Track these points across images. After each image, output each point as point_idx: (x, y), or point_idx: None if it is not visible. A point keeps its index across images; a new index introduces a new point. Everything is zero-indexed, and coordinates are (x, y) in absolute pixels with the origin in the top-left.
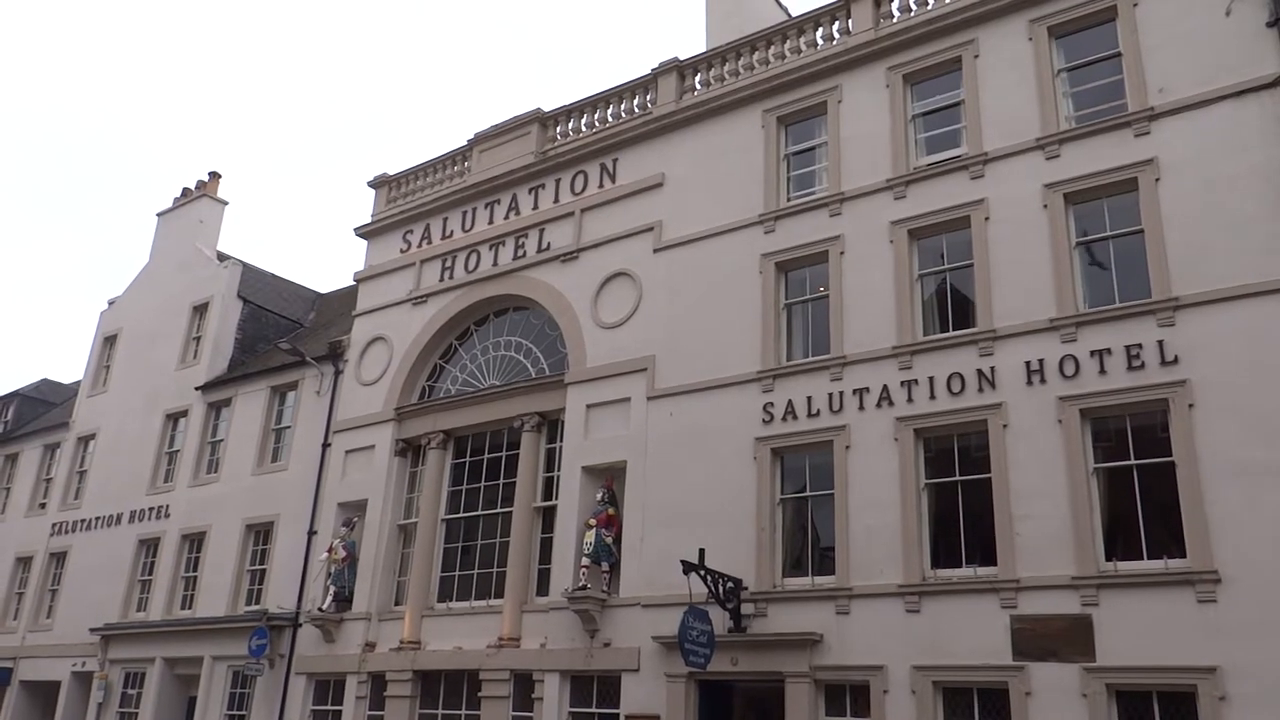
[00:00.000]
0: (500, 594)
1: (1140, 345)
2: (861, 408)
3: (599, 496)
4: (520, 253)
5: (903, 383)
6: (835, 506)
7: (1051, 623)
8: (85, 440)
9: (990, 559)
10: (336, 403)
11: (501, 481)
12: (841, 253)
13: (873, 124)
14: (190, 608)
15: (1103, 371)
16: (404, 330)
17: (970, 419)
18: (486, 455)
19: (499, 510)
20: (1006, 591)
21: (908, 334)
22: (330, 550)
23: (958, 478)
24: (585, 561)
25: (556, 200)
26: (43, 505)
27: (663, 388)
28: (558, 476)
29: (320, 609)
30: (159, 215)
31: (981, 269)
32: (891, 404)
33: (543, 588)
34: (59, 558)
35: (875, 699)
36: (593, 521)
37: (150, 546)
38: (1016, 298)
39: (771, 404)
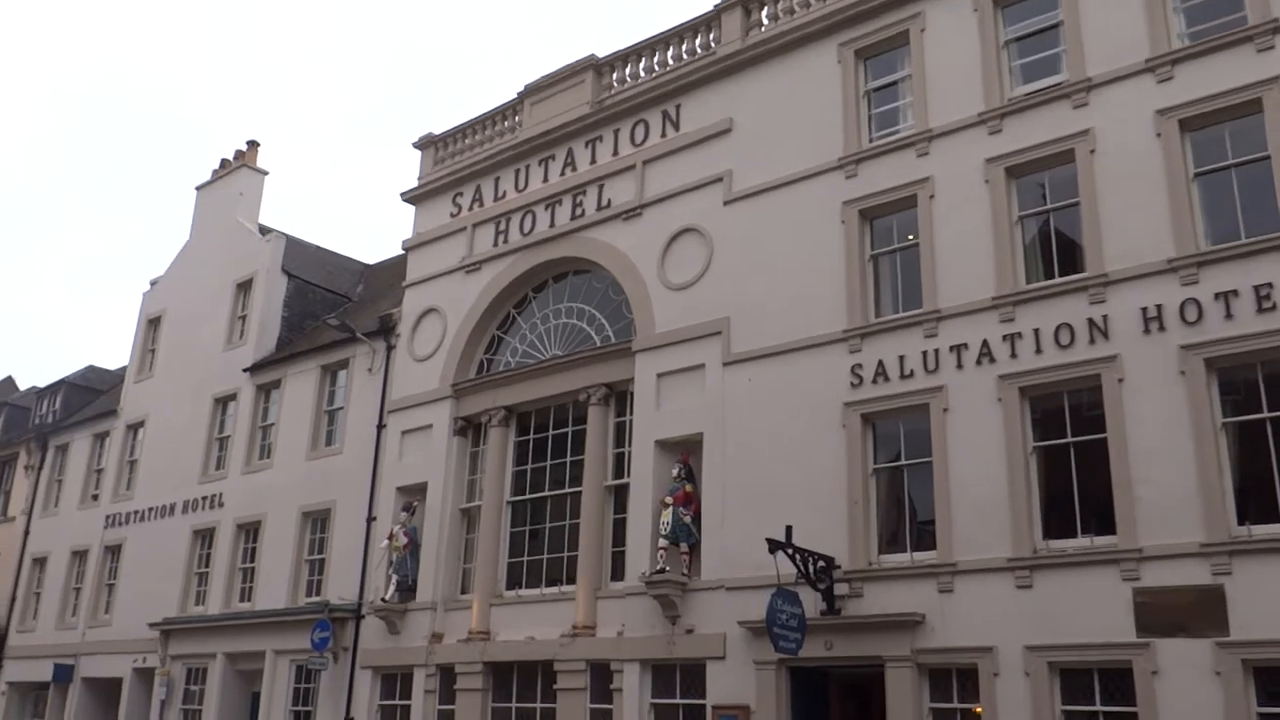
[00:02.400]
0: (572, 580)
1: (1271, 285)
2: (960, 366)
3: (675, 473)
4: (579, 212)
5: (1005, 337)
6: (934, 475)
7: (1179, 595)
8: (134, 428)
9: (1108, 527)
10: (390, 381)
11: (569, 459)
12: (931, 196)
13: (961, 52)
14: (249, 600)
15: (1229, 316)
16: (458, 300)
17: (1081, 374)
18: (551, 432)
19: (567, 490)
20: (1128, 562)
21: (1008, 282)
22: (391, 537)
23: (1069, 439)
24: (663, 543)
25: (616, 153)
26: (95, 497)
27: (740, 352)
28: (629, 452)
29: (383, 599)
30: (198, 189)
31: (1089, 207)
32: (993, 361)
33: (617, 572)
34: (114, 551)
35: (985, 683)
36: (669, 500)
37: (205, 537)
38: (1129, 238)
39: (860, 365)
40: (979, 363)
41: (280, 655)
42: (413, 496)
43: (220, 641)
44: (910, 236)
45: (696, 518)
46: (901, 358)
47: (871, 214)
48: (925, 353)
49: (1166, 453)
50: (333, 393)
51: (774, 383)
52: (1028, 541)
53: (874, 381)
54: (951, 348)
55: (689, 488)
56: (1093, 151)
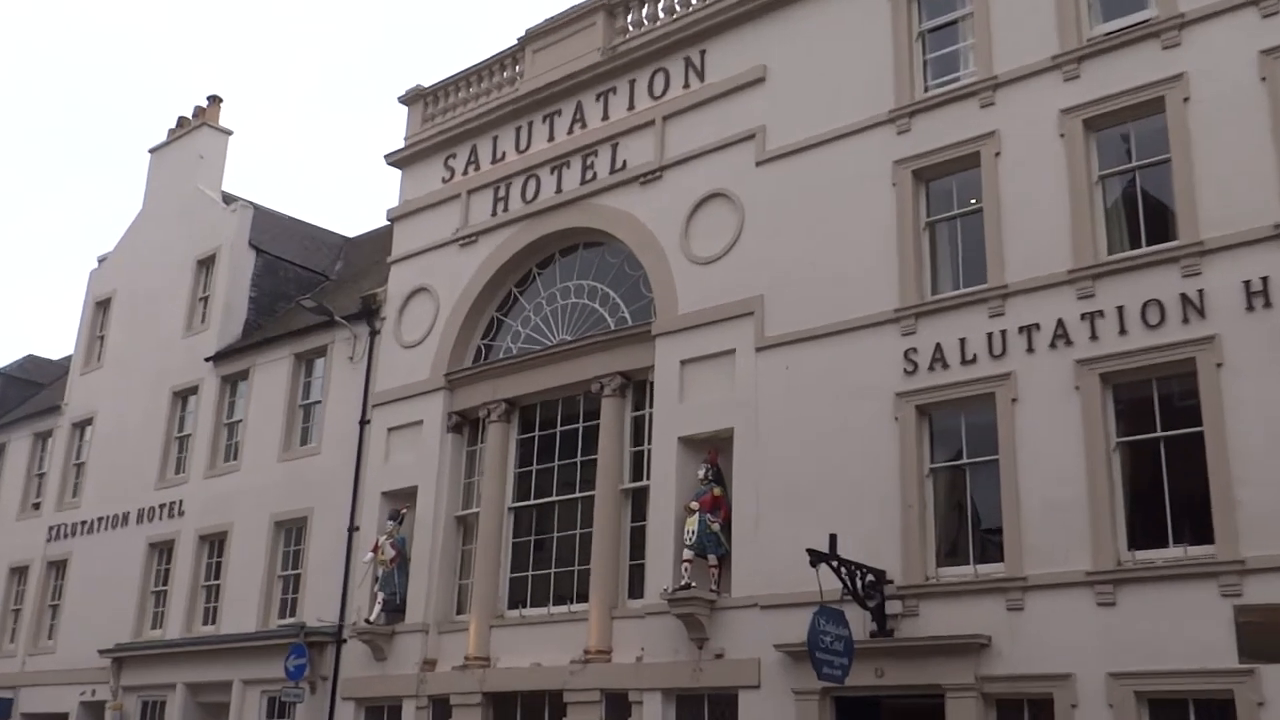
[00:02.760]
0: (584, 597)
1: None
2: (1030, 349)
3: (701, 474)
4: (589, 175)
5: (1083, 315)
6: (1001, 476)
7: None
8: (81, 426)
9: (1205, 535)
10: (374, 370)
11: (579, 460)
12: (997, 153)
13: None
14: (214, 623)
15: None
16: (451, 278)
17: (1173, 358)
18: (559, 428)
19: (578, 495)
20: (1228, 576)
21: (1087, 252)
22: (376, 549)
23: (1159, 434)
24: (688, 555)
25: (632, 107)
26: (36, 505)
27: (775, 335)
28: (649, 451)
29: (368, 620)
30: (151, 152)
31: (1182, 165)
32: (1069, 343)
33: (636, 588)
34: (58, 567)
35: (1061, 716)
36: (695, 505)
37: (163, 551)
38: (1229, 200)
39: (914, 350)
40: (1053, 346)
41: (249, 686)
42: (401, 503)
43: (180, 670)
44: (972, 201)
45: (726, 525)
46: (962, 340)
47: (927, 175)
48: (990, 334)
49: (1273, 449)
50: (308, 384)
51: (815, 370)
52: (1110, 552)
53: (931, 368)
54: (1021, 329)
55: (717, 491)
56: (1186, 100)
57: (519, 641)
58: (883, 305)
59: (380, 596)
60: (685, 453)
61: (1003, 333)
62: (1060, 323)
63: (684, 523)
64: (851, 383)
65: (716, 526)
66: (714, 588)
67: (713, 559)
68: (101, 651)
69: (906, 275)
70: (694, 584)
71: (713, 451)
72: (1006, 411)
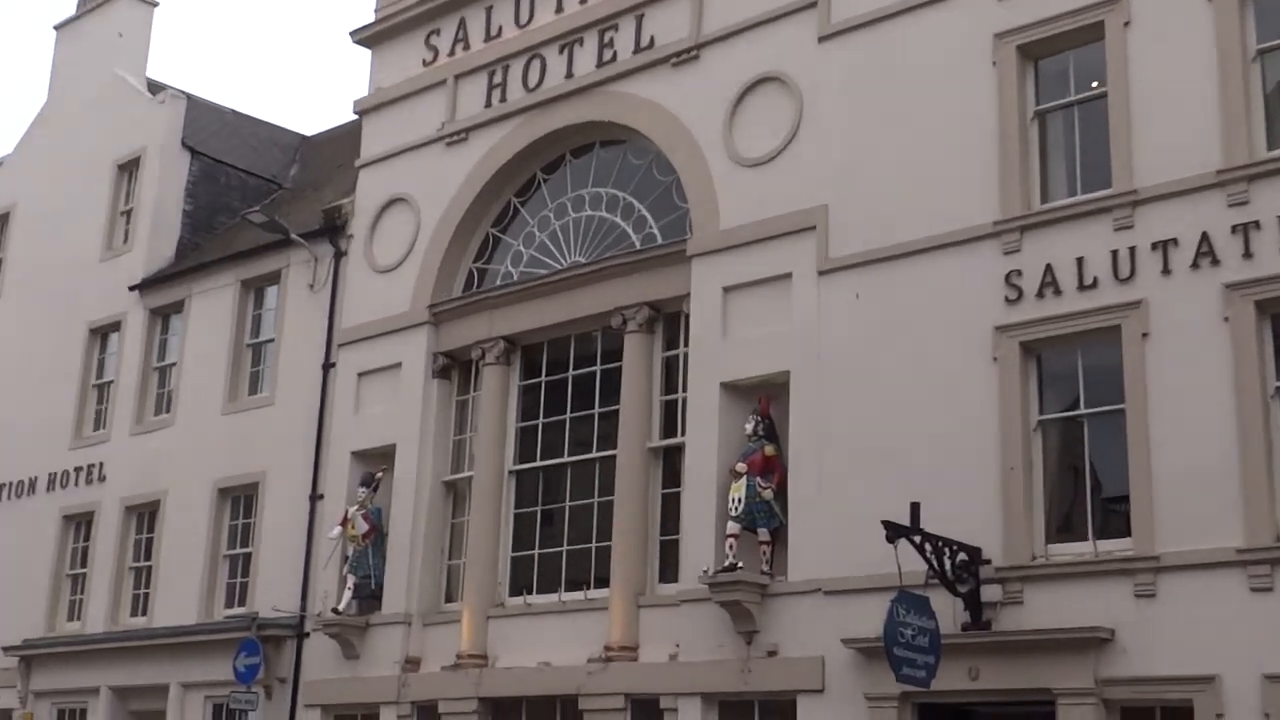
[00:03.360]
0: (604, 581)
1: None
2: (1167, 271)
3: (749, 429)
4: (608, 55)
5: (1234, 228)
6: (1128, 430)
7: None
8: None
9: None
10: (340, 302)
11: (597, 411)
12: (1126, 23)
13: None
14: (144, 614)
15: None
16: (436, 186)
17: None
18: (572, 372)
19: (595, 455)
20: None
21: (1240, 149)
22: (345, 523)
23: None
24: (733, 528)
25: None
26: None
27: (843, 256)
28: (683, 400)
29: (335, 610)
30: (57, 29)
31: None
32: (1216, 263)
33: (668, 570)
34: None
35: None
36: (742, 467)
37: (80, 526)
38: None
39: (1018, 272)
40: (1195, 266)
41: (190, 690)
42: (375, 465)
43: (104, 672)
44: (1094, 84)
45: (781, 492)
46: (1080, 260)
47: (1036, 51)
48: (1115, 252)
49: None
50: (258, 319)
51: (893, 299)
52: (1268, 525)
53: (1039, 295)
54: (1154, 245)
55: (769, 450)
56: None
57: (523, 636)
58: (979, 217)
59: (351, 581)
60: (729, 402)
61: (1131, 250)
62: (1205, 237)
63: (728, 489)
64: (939, 314)
65: (769, 494)
66: (766, 569)
67: (764, 534)
68: (6, 649)
69: (1009, 179)
70: (741, 564)
71: (764, 400)
72: (1135, 349)
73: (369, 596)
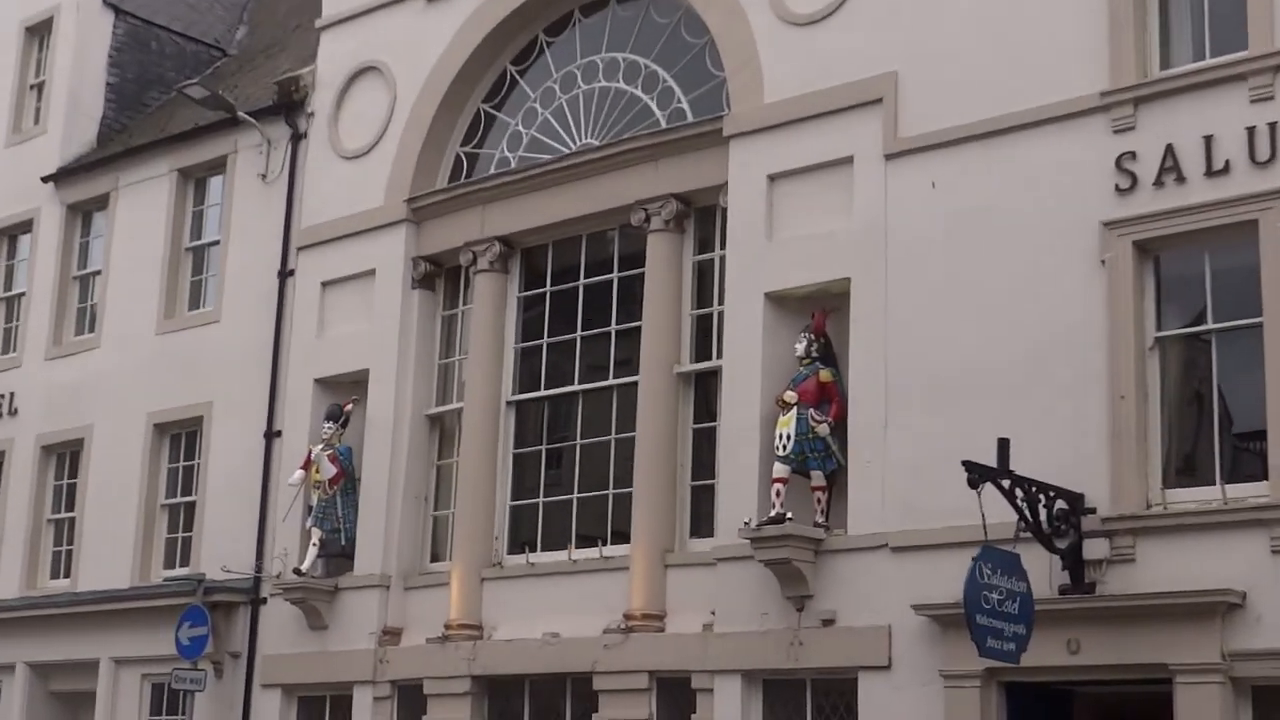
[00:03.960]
0: (623, 536)
1: None
2: None
3: (801, 349)
4: None
5: None
6: (1266, 351)
7: None
8: None
9: None
10: (300, 195)
11: (614, 329)
12: None
13: None
14: (67, 576)
15: None
16: (415, 51)
17: None
18: (583, 281)
19: (612, 382)
20: None
21: None
22: (308, 466)
23: None
24: (781, 471)
25: None
26: None
27: (916, 135)
28: (720, 315)
29: (298, 571)
30: None
31: None
32: None
33: (701, 522)
34: None
35: None
36: (791, 396)
37: None
38: None
39: (1132, 155)
40: None
41: (124, 667)
42: (344, 395)
43: (21, 645)
44: None
45: (839, 428)
46: (1208, 140)
47: None
48: (1252, 130)
49: None
50: (200, 217)
51: (976, 188)
52: None
53: (1158, 184)
54: None
55: (825, 375)
56: None
57: (526, 602)
58: (1083, 87)
59: (316, 536)
60: (776, 317)
61: (1271, 127)
62: None
63: (774, 424)
64: (1032, 208)
65: (824, 429)
66: (821, 520)
67: (818, 478)
68: None
69: (1121, 40)
70: (790, 515)
71: (819, 316)
72: (1276, 249)
73: (338, 554)
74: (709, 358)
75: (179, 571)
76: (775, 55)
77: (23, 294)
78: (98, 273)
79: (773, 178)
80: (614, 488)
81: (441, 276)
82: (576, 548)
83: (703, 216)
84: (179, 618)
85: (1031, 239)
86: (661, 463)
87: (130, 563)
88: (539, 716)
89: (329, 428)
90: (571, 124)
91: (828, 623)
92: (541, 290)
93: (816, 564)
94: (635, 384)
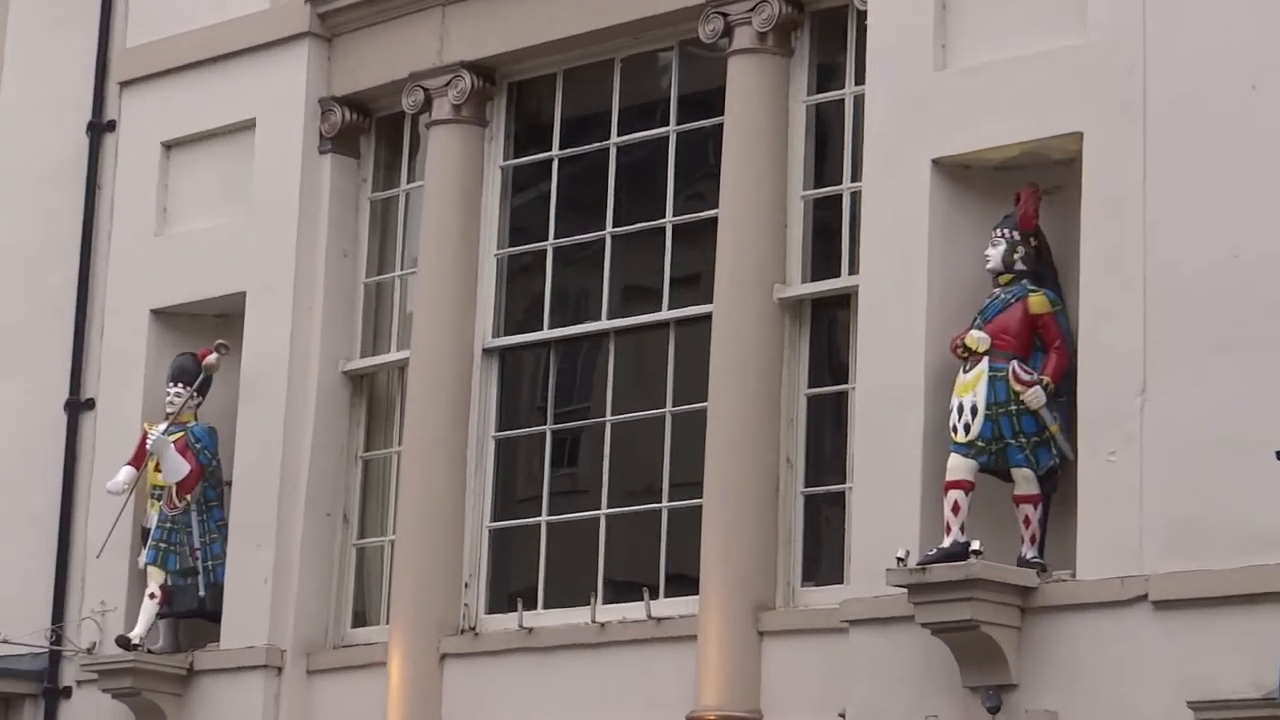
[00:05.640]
0: (686, 583)
1: None
2: None
3: (996, 258)
4: None
5: None
6: None
7: None
8: None
9: None
10: None
11: (669, 222)
12: None
13: None
14: None
15: None
16: None
17: None
18: (615, 139)
19: (666, 315)
20: None
21: None
22: (142, 460)
23: None
24: (961, 470)
25: None
26: None
27: None
28: (852, 198)
29: (126, 641)
30: None
31: None
32: None
33: (822, 560)
34: None
35: None
36: (979, 339)
37: None
38: None
39: None
40: None
41: None
42: (203, 340)
43: None
44: None
45: (1064, 394)
46: None
47: None
48: None
49: None
50: None
51: None
52: None
53: None
54: None
55: (1039, 303)
56: None
57: (517, 697)
58: None
59: (157, 581)
60: (951, 200)
61: None
62: None
63: (948, 387)
64: None
65: (1038, 396)
66: (1031, 554)
67: (1026, 480)
68: None
69: None
70: (978, 545)
71: (1028, 197)
72: None
73: (193, 612)
74: (834, 274)
75: None
76: None
77: None
78: None
79: None
80: (669, 499)
81: (370, 132)
82: (604, 603)
83: (825, 26)
84: None
85: None
86: (751, 455)
87: None
88: None
89: (178, 395)
90: None
91: None
92: (543, 156)
93: (1023, 630)
94: (707, 319)
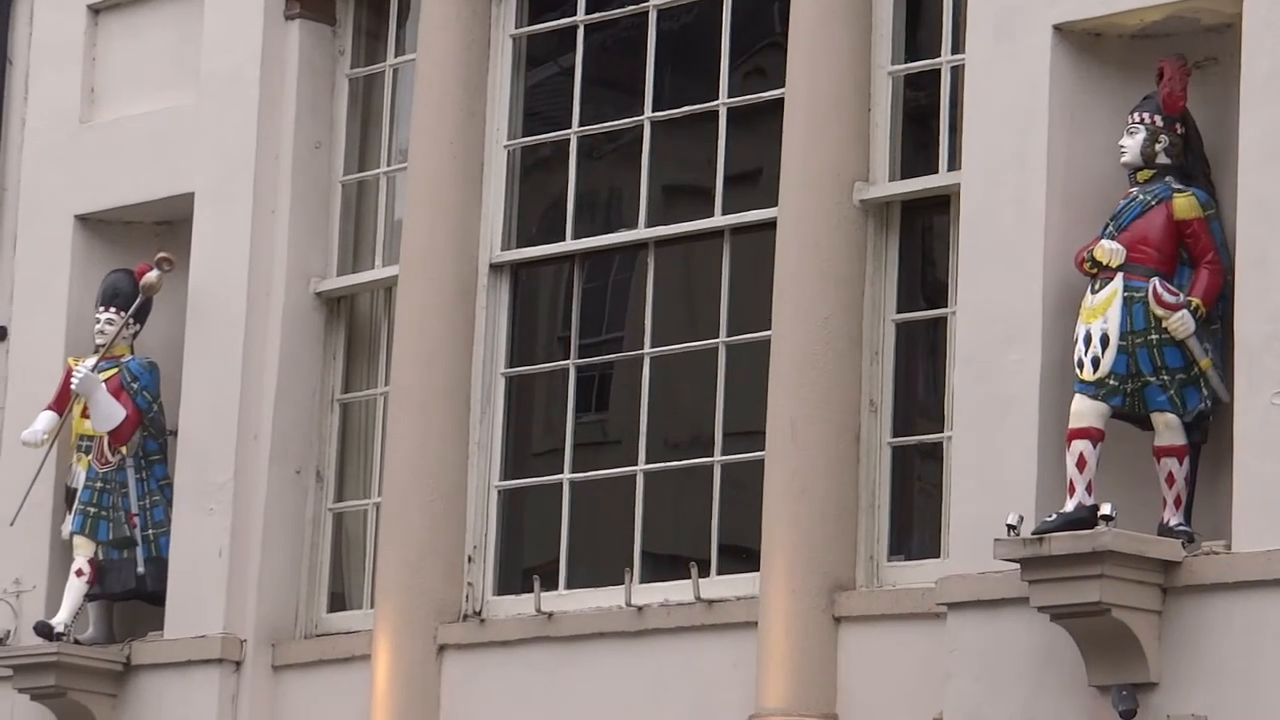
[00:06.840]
0: (745, 556)
1: None
2: None
3: (1133, 148)
4: None
5: None
6: None
7: None
8: None
9: None
10: None
11: (722, 104)
12: None
13: None
14: None
15: None
16: None
17: None
18: (655, 2)
19: (720, 222)
20: None
21: None
22: (65, 404)
23: None
24: (1089, 415)
25: None
26: None
27: None
28: (953, 73)
29: (46, 629)
30: None
31: None
32: None
33: (913, 528)
34: None
35: None
36: (1112, 251)
37: None
38: None
39: None
40: None
41: None
42: (142, 253)
43: None
44: None
45: (1218, 319)
46: None
47: None
48: None
49: None
50: None
51: None
52: None
53: None
54: None
55: (1186, 207)
56: None
57: (533, 697)
58: None
59: (85, 555)
60: (1074, 72)
61: None
62: None
63: (1076, 311)
64: None
65: (1185, 324)
66: (1177, 521)
67: (1169, 428)
68: None
69: None
70: (1109, 509)
71: (1171, 72)
72: None
73: (131, 593)
74: (930, 170)
75: None
76: None
77: None
78: None
79: None
80: (722, 451)
81: (350, 7)
82: (641, 582)
83: None
84: None
85: None
86: (825, 397)
87: None
88: None
89: (110, 322)
90: None
91: None
92: (565, 22)
93: (1165, 615)
94: (770, 225)
